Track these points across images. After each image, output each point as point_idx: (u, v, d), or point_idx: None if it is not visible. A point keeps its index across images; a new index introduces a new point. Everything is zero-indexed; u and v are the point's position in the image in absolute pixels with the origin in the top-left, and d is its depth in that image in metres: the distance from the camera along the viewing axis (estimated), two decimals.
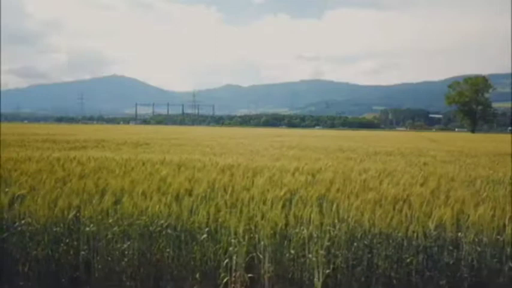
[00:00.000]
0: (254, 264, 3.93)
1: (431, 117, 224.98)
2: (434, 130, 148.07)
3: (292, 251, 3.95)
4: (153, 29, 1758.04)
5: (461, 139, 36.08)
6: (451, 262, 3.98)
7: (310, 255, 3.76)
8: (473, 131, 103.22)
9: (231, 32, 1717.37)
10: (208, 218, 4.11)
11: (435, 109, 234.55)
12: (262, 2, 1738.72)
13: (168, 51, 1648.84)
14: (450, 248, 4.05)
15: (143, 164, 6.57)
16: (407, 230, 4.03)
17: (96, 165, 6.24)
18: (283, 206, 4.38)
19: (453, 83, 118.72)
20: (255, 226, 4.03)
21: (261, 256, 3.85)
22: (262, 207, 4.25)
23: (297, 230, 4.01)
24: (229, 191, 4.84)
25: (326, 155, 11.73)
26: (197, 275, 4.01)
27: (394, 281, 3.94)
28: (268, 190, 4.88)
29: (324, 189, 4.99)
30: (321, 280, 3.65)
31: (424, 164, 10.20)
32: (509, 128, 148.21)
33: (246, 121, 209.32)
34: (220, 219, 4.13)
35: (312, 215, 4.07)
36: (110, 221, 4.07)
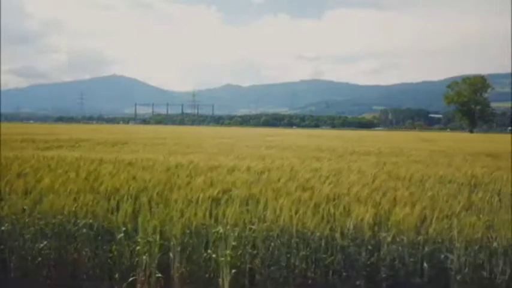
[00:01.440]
0: (169, 264, 3.88)
1: (431, 117, 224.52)
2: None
3: (209, 251, 3.90)
4: (153, 29, 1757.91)
5: (453, 139, 35.98)
6: (368, 262, 3.94)
7: (214, 255, 3.71)
8: (471, 131, 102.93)
9: (231, 32, 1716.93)
10: (125, 217, 4.07)
11: (435, 109, 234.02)
12: (262, 2, 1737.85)
13: (168, 51, 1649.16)
14: (369, 247, 4.01)
15: (92, 162, 6.53)
16: (324, 230, 3.98)
17: (42, 165, 6.20)
18: (212, 205, 4.35)
19: (452, 83, 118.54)
20: (173, 225, 3.98)
21: (171, 255, 3.80)
22: (183, 206, 4.20)
23: (214, 230, 3.96)
24: (160, 190, 4.80)
25: (298, 155, 11.68)
26: (116, 275, 3.97)
27: (310, 281, 3.90)
28: (202, 189, 4.84)
29: (259, 189, 4.94)
30: (227, 279, 3.60)
31: (394, 163, 10.13)
32: (509, 128, 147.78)
33: (245, 121, 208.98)
34: (140, 219, 4.08)
35: (230, 215, 4.03)
36: (27, 220, 4.03)
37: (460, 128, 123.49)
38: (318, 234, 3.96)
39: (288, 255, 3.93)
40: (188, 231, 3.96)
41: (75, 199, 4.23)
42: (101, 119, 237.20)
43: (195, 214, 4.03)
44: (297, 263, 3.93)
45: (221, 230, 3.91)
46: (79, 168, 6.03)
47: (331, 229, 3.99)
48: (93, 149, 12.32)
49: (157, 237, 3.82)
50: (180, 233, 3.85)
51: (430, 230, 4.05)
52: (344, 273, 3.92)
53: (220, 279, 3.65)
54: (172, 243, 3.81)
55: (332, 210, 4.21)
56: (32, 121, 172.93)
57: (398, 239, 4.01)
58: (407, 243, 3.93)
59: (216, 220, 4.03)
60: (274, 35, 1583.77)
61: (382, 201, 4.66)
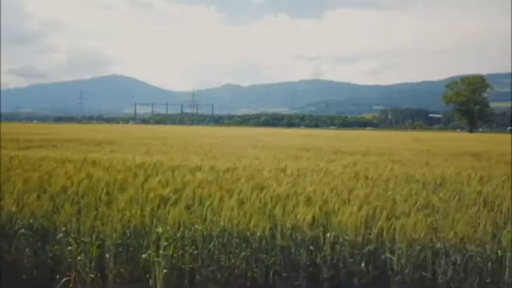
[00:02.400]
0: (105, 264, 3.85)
1: (430, 117, 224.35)
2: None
3: (149, 251, 3.86)
4: (153, 29, 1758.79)
5: (448, 139, 35.93)
6: (309, 262, 3.90)
7: (145, 255, 3.67)
8: (471, 131, 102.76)
9: (231, 32, 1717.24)
10: (66, 217, 4.03)
11: (435, 109, 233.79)
12: (262, 2, 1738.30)
13: (168, 51, 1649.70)
14: (311, 247, 3.98)
15: (55, 161, 6.51)
16: (265, 229, 3.95)
17: (4, 165, 6.17)
18: (160, 205, 4.32)
19: (451, 83, 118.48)
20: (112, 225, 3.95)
21: (107, 255, 3.76)
22: (126, 206, 4.17)
23: (157, 230, 3.93)
24: (111, 190, 4.77)
25: (279, 154, 11.64)
26: (57, 276, 3.94)
27: (250, 282, 3.87)
28: (154, 189, 4.81)
29: (211, 189, 4.90)
30: (159, 279, 3.56)
31: (371, 162, 10.10)
32: (509, 127, 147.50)
33: (245, 121, 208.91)
34: (82, 219, 4.05)
35: (172, 215, 3.99)
36: None
37: (460, 128, 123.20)
38: (258, 234, 3.93)
39: (228, 256, 3.89)
40: (128, 231, 3.92)
41: (17, 199, 4.19)
42: (101, 119, 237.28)
43: (136, 214, 3.99)
44: (237, 263, 3.89)
45: (160, 230, 3.88)
46: (39, 168, 6.00)
47: (271, 229, 3.95)
48: (73, 149, 12.29)
49: (94, 237, 3.79)
50: (118, 233, 3.82)
51: (374, 230, 4.01)
52: (284, 274, 3.88)
53: (152, 280, 3.61)
54: (107, 243, 3.77)
55: (277, 210, 4.17)
56: (36, 121, 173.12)
57: (341, 239, 3.96)
58: (347, 243, 3.89)
59: (158, 220, 4.00)
60: (274, 35, 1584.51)
61: (333, 201, 4.62)
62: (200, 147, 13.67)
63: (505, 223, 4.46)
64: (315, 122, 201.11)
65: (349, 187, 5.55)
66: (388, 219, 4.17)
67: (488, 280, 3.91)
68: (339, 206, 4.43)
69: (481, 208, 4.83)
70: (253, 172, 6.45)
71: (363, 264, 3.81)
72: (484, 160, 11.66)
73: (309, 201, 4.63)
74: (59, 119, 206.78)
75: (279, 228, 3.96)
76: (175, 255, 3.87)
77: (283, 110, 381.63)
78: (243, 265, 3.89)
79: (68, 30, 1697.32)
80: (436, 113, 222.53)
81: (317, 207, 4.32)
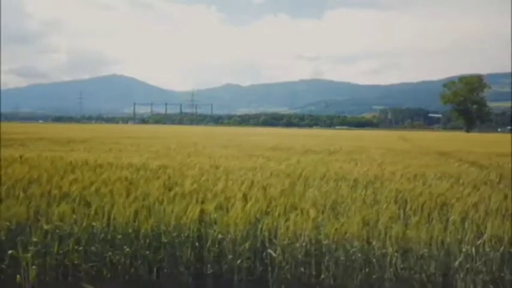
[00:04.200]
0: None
1: (430, 116, 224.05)
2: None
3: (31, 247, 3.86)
4: (153, 29, 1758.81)
5: (432, 139, 35.92)
6: (193, 258, 3.91)
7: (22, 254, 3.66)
8: (468, 131, 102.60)
9: (231, 32, 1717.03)
10: None
11: (434, 109, 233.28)
12: (262, 2, 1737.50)
13: (168, 51, 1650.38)
14: (196, 244, 3.98)
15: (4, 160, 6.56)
16: (152, 227, 3.96)
17: None
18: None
19: (448, 83, 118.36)
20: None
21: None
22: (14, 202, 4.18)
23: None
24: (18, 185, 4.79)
25: (241, 154, 11.65)
26: None
27: (134, 278, 3.88)
28: (60, 186, 4.84)
29: (117, 187, 4.93)
30: (27, 276, 3.56)
31: (328, 161, 10.13)
32: (509, 127, 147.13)
33: (244, 120, 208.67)
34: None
35: (57, 211, 4.01)
36: None
37: (459, 128, 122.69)
38: (142, 231, 3.94)
39: (113, 252, 3.90)
40: (13, 228, 3.93)
41: None
42: (100, 119, 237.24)
43: (20, 211, 4.00)
44: (121, 260, 3.90)
45: (45, 227, 3.89)
46: None
47: (156, 226, 3.96)
48: (38, 148, 12.30)
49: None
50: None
51: (263, 227, 4.02)
52: (167, 270, 3.89)
53: (21, 276, 3.61)
54: None
55: (170, 208, 4.18)
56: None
57: (226, 235, 3.97)
58: (229, 239, 3.90)
59: (41, 216, 4.01)
60: (274, 35, 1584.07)
61: (237, 197, 4.64)
62: (163, 146, 13.67)
63: (406, 220, 4.47)
64: (314, 121, 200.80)
65: (267, 185, 5.57)
66: (279, 215, 4.18)
67: (374, 276, 3.92)
68: (234, 202, 4.44)
69: (390, 206, 4.84)
70: (184, 169, 6.46)
71: (239, 261, 3.80)
72: (444, 159, 11.67)
73: (214, 198, 4.65)
74: (58, 119, 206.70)
75: (162, 225, 3.96)
76: (60, 251, 3.87)
77: (283, 110, 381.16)
78: (127, 261, 3.89)
79: (67, 30, 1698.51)
80: (436, 112, 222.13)
81: (214, 204, 4.35)
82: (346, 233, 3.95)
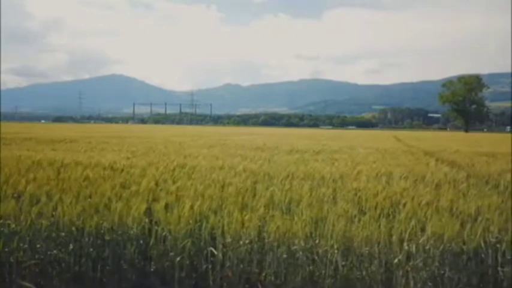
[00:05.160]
0: None
1: (430, 116, 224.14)
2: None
3: None
4: (153, 29, 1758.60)
5: (426, 138, 35.93)
6: (137, 256, 3.96)
7: None
8: (466, 131, 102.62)
9: (231, 31, 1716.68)
10: None
11: (434, 109, 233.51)
12: (262, 2, 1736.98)
13: (168, 51, 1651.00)
14: (141, 242, 4.03)
15: None
16: (96, 224, 4.00)
17: None
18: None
19: (447, 83, 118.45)
20: None
21: None
22: None
23: None
24: None
25: (220, 154, 11.67)
26: None
27: (78, 275, 3.92)
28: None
29: (66, 185, 4.98)
30: None
31: (305, 160, 10.17)
32: (508, 127, 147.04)
33: (244, 120, 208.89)
34: None
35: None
36: None
37: (460, 128, 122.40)
38: (87, 229, 3.98)
39: (57, 249, 3.94)
40: None
41: None
42: (100, 119, 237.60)
43: None
44: (65, 258, 3.94)
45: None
46: None
47: (98, 224, 4.00)
48: (21, 147, 12.34)
49: None
50: None
51: (207, 225, 4.06)
52: (110, 267, 3.93)
53: None
54: None
55: (118, 206, 4.21)
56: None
57: (173, 234, 4.01)
58: (172, 237, 3.94)
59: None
60: (274, 35, 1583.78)
61: (189, 196, 4.68)
62: (147, 146, 13.71)
63: (356, 218, 4.50)
64: (314, 121, 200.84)
65: (228, 183, 5.61)
66: (226, 213, 4.22)
67: (317, 274, 3.96)
68: (185, 201, 4.47)
69: (343, 204, 4.87)
70: (150, 169, 6.50)
71: (178, 258, 3.84)
72: (425, 158, 11.70)
73: (166, 196, 4.69)
74: (58, 119, 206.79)
75: (105, 223, 4.00)
76: (5, 249, 3.91)
77: (282, 110, 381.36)
78: (72, 259, 3.93)
79: (67, 30, 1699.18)
80: (436, 112, 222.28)
81: (163, 202, 4.40)
82: (289, 230, 3.99)
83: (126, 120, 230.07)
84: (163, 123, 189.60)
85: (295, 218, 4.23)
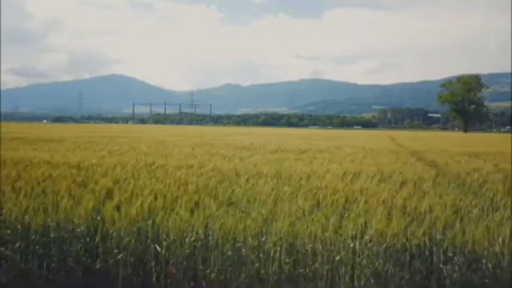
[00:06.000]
0: None
1: (430, 116, 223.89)
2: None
3: None
4: (153, 29, 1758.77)
5: (421, 138, 35.96)
6: (83, 253, 3.99)
7: None
8: (465, 131, 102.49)
9: (231, 31, 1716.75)
10: None
11: (434, 109, 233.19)
12: (262, 2, 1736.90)
13: (168, 51, 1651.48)
14: (87, 240, 4.06)
15: None
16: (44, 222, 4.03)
17: None
18: None
19: (446, 83, 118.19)
20: None
21: None
22: None
23: None
24: None
25: (205, 153, 11.72)
26: None
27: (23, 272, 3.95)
28: None
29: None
30: None
31: (295, 160, 10.19)
32: (508, 127, 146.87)
33: (244, 120, 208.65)
34: None
35: None
36: None
37: (458, 128, 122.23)
38: (34, 226, 4.01)
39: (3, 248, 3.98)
40: None
41: None
42: (100, 119, 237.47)
43: None
44: (12, 255, 3.97)
45: None
46: None
47: (45, 221, 4.03)
48: (7, 147, 12.39)
49: None
50: None
51: (154, 222, 4.09)
52: (56, 265, 3.96)
53: None
54: None
55: (69, 204, 4.24)
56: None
57: (117, 231, 4.04)
58: (116, 235, 3.97)
59: None
60: (274, 35, 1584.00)
61: (143, 194, 4.70)
62: (131, 146, 13.76)
63: (308, 216, 4.53)
64: (313, 121, 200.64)
65: (190, 182, 5.64)
66: (173, 211, 4.24)
67: (263, 271, 3.99)
68: (137, 199, 4.50)
69: (298, 202, 4.89)
70: (116, 168, 6.53)
71: (120, 255, 3.87)
72: (406, 158, 11.70)
73: (120, 194, 4.72)
74: (58, 119, 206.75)
75: (49, 220, 4.03)
76: None
77: (282, 110, 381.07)
78: (17, 256, 3.96)
79: (67, 30, 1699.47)
80: (435, 112, 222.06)
81: (116, 200, 4.42)
82: (235, 228, 4.02)
83: (126, 120, 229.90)
84: (163, 123, 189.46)
85: (244, 216, 4.26)
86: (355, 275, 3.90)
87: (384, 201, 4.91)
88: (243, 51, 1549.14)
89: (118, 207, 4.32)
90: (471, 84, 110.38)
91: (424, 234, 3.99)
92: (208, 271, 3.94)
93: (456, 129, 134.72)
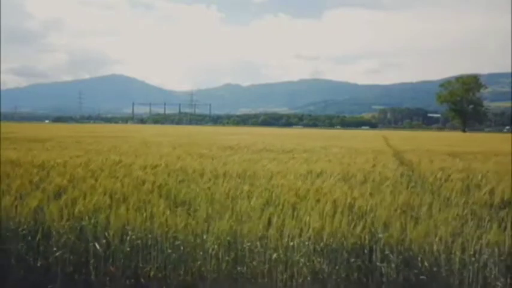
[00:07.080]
0: None
1: (429, 116, 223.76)
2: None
3: None
4: (153, 29, 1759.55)
5: (416, 138, 35.93)
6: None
7: None
8: (464, 130, 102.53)
9: (231, 31, 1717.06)
10: None
11: (434, 109, 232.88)
12: (262, 2, 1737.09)
13: (168, 51, 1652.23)
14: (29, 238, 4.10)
15: None
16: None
17: None
18: None
19: (445, 83, 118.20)
20: None
21: None
22: None
23: None
24: None
25: (185, 153, 11.75)
26: None
27: None
28: None
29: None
30: None
31: (273, 159, 10.22)
32: (507, 127, 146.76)
33: (244, 120, 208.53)
34: None
35: None
36: None
37: (459, 128, 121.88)
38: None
39: None
40: None
41: None
42: (100, 119, 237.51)
43: None
44: None
45: None
46: None
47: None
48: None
49: None
50: None
51: (96, 221, 4.14)
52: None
53: None
54: None
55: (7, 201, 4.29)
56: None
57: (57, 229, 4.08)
58: (56, 233, 4.02)
59: None
60: (274, 35, 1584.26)
61: (96, 193, 4.76)
62: (114, 145, 13.81)
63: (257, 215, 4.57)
64: (313, 121, 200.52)
65: (147, 181, 5.69)
66: (112, 210, 4.28)
67: (202, 269, 4.03)
68: (85, 197, 4.55)
69: (251, 201, 4.93)
70: (79, 167, 6.59)
71: (58, 253, 3.91)
72: (388, 158, 11.72)
73: (69, 192, 4.77)
74: (58, 119, 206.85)
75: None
76: None
77: (282, 110, 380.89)
78: None
79: (67, 30, 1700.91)
80: (435, 112, 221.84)
81: (63, 199, 4.48)
82: (176, 226, 4.06)
83: (125, 120, 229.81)
84: (162, 123, 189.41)
85: (188, 215, 4.31)
86: (293, 273, 3.94)
87: (334, 201, 4.95)
88: (243, 51, 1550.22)
89: (66, 206, 4.37)
90: (470, 84, 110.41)
91: (362, 232, 4.03)
92: (147, 269, 3.98)
93: (456, 129, 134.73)
